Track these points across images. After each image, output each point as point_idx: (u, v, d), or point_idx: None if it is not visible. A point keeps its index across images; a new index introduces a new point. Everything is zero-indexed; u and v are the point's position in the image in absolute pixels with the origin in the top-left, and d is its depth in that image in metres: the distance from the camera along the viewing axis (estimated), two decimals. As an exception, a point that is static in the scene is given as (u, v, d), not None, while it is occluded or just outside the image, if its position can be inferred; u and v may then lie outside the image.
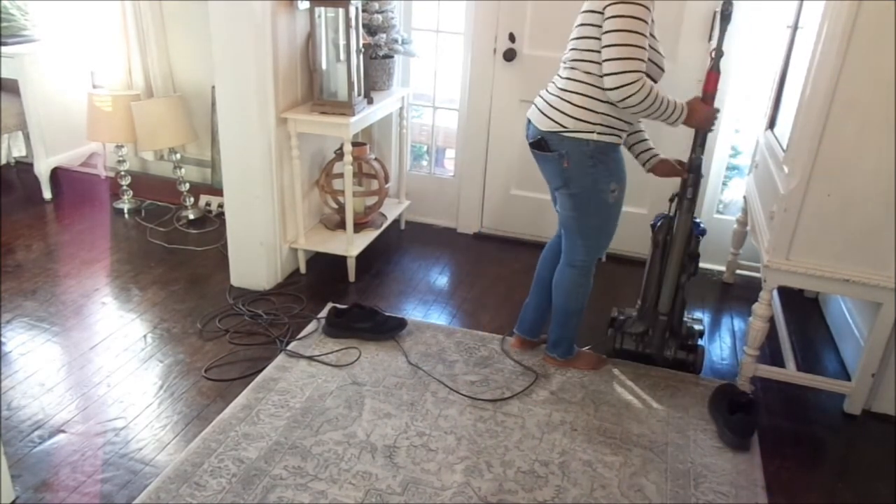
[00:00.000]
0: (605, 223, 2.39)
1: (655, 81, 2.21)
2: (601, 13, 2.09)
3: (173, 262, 3.30)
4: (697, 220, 2.54)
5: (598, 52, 2.12)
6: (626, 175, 2.35)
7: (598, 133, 2.20)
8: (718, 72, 2.30)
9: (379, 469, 2.09)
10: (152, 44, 3.71)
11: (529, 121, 2.35)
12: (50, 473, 2.03)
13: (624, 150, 2.39)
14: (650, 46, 2.13)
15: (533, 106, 2.35)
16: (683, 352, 2.64)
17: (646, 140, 2.49)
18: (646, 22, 2.06)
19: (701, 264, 3.42)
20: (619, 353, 2.70)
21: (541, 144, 2.29)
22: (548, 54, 3.34)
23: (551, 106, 2.25)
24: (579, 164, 2.24)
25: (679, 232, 2.49)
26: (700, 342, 2.68)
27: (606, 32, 2.07)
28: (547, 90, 2.32)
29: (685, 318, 2.67)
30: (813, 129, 2.13)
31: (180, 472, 2.03)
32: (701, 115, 2.27)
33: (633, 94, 2.07)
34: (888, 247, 2.19)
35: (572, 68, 2.22)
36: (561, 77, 2.28)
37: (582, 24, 2.19)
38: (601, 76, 2.12)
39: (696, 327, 2.69)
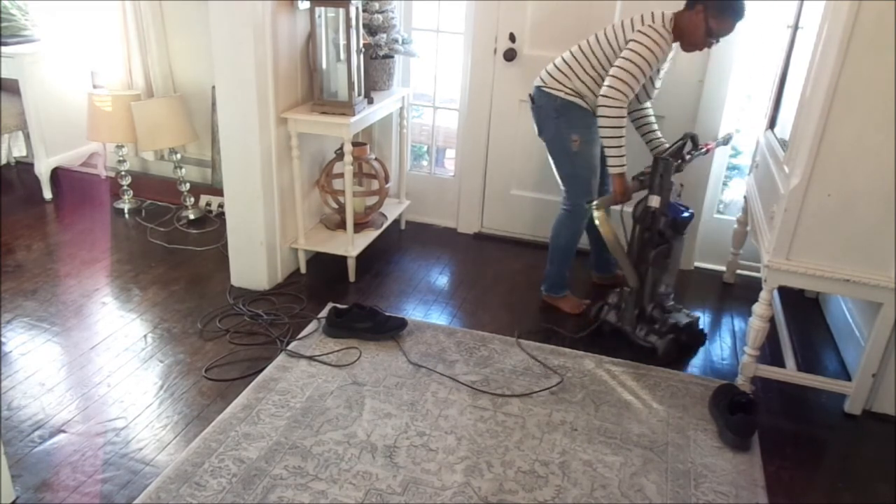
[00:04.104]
0: (575, 170, 2.83)
1: (640, 101, 2.81)
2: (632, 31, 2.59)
3: (173, 262, 3.30)
4: (683, 205, 2.75)
5: (610, 55, 2.64)
6: (592, 133, 2.74)
7: (565, 93, 2.73)
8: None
9: (379, 469, 2.09)
10: (152, 44, 3.71)
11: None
12: (50, 473, 2.03)
13: (635, 133, 2.94)
14: (651, 77, 2.67)
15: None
16: (653, 336, 2.71)
17: (654, 129, 2.94)
18: (657, 58, 2.54)
19: (702, 264, 3.48)
20: (599, 320, 2.84)
21: (531, 99, 2.86)
22: (548, 54, 3.32)
23: (546, 70, 2.81)
24: (547, 115, 2.80)
25: (643, 209, 2.68)
26: (673, 335, 2.69)
27: (626, 49, 2.55)
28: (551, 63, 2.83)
29: (669, 305, 2.76)
30: (813, 130, 2.13)
31: (181, 472, 2.03)
32: (623, 188, 2.67)
33: (607, 108, 2.54)
34: (888, 247, 2.19)
35: (574, 55, 2.74)
36: (563, 56, 2.78)
37: (614, 31, 2.65)
38: (597, 71, 2.67)
39: (683, 320, 2.72)
